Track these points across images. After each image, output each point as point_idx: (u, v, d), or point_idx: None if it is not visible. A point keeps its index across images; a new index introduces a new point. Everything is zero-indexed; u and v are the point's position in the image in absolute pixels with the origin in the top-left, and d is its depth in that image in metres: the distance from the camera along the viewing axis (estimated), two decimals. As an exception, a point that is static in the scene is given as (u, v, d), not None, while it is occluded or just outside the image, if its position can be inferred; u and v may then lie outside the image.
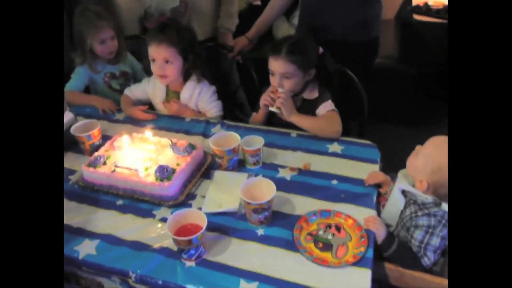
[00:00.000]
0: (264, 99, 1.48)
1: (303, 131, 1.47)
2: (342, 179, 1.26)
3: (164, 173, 1.20)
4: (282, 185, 1.23)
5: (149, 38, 1.52)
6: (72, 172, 1.35)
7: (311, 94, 1.52)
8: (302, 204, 1.17)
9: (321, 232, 1.08)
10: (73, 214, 1.18)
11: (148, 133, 1.34)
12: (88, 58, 1.70)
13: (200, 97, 1.62)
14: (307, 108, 1.50)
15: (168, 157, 1.28)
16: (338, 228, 1.09)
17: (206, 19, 1.95)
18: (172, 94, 1.65)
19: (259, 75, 1.85)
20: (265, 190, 1.10)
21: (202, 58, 1.58)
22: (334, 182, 1.25)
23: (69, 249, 1.07)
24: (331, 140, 1.42)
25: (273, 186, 1.10)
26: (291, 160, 1.35)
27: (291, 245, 1.05)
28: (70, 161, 1.40)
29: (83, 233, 1.12)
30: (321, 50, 1.51)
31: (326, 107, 1.47)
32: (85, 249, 1.07)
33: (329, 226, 1.10)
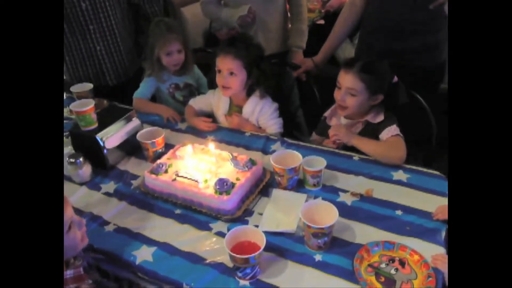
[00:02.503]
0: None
1: (366, 155, 1.41)
2: (407, 209, 1.18)
3: (223, 186, 1.19)
4: (342, 210, 1.17)
5: (218, 50, 1.56)
6: (135, 177, 1.39)
7: (376, 117, 1.46)
8: (363, 233, 1.12)
9: (383, 265, 1.02)
10: (133, 218, 1.21)
11: (211, 145, 1.35)
12: (155, 68, 1.76)
13: (262, 113, 1.62)
14: (370, 132, 1.45)
15: (228, 171, 1.28)
16: (402, 263, 1.02)
17: (272, 35, 1.97)
18: (235, 108, 1.66)
19: (320, 95, 1.82)
20: (326, 214, 1.06)
21: (267, 75, 1.58)
22: (399, 212, 1.18)
23: (128, 253, 1.09)
24: (396, 167, 1.35)
25: (335, 211, 1.05)
26: (353, 185, 1.29)
27: (350, 275, 0.99)
28: (133, 166, 1.45)
29: (141, 238, 1.14)
30: (395, 79, 1.46)
31: (391, 132, 1.40)
32: (143, 255, 1.08)
33: (393, 260, 1.03)
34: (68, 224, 0.92)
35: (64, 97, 1.95)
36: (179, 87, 1.86)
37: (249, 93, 1.62)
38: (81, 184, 1.37)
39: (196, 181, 1.23)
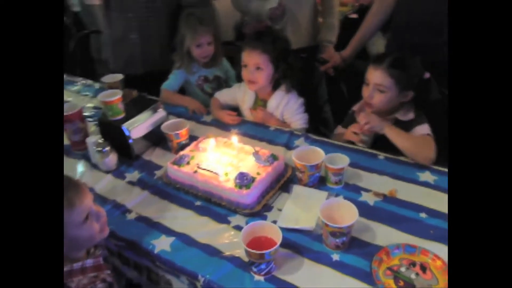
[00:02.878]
0: (349, 136, 1.44)
1: (391, 154, 1.37)
2: (432, 213, 1.14)
3: (244, 180, 1.19)
4: (363, 210, 1.15)
5: (244, 44, 1.55)
6: (158, 167, 1.41)
7: (406, 115, 1.41)
8: (384, 234, 1.08)
9: (403, 269, 0.98)
10: (154, 208, 1.23)
11: (234, 138, 1.35)
12: (185, 60, 1.78)
13: (287, 107, 1.60)
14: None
15: (250, 165, 1.27)
16: (423, 268, 0.98)
17: (301, 29, 1.93)
18: (260, 102, 1.65)
19: (349, 90, 1.78)
20: (346, 213, 1.04)
21: (294, 69, 1.56)
22: (423, 215, 1.13)
23: (147, 242, 1.11)
24: (423, 168, 1.30)
25: (355, 210, 1.03)
26: (376, 184, 1.26)
27: (367, 277, 0.97)
28: (157, 156, 1.47)
29: (161, 228, 1.16)
30: (427, 75, 1.40)
31: (422, 130, 1.35)
32: (161, 244, 1.10)
33: (413, 264, 0.99)
34: (85, 215, 0.94)
35: (96, 87, 2.02)
36: (208, 79, 1.87)
37: (274, 87, 1.61)
38: (107, 172, 1.40)
39: (217, 174, 1.23)
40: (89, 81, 2.11)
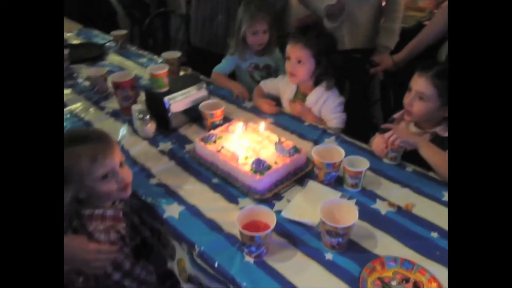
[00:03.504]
0: (375, 148, 1.39)
1: (421, 167, 1.31)
2: (444, 234, 1.07)
3: (259, 166, 1.22)
4: (373, 217, 1.13)
5: (289, 37, 1.57)
6: (190, 142, 1.49)
7: (446, 131, 1.33)
8: (386, 245, 1.05)
9: (394, 283, 0.95)
10: (175, 178, 1.32)
11: (262, 125, 1.39)
12: (239, 46, 1.84)
13: (326, 104, 1.59)
14: (437, 145, 1.31)
15: (270, 153, 1.30)
16: (416, 287, 0.94)
17: (359, 29, 1.89)
18: (300, 96, 1.66)
19: (396, 96, 1.71)
20: (348, 215, 1.03)
21: (336, 66, 1.55)
22: (434, 234, 1.08)
23: (160, 205, 1.20)
24: (452, 188, 1.22)
25: (355, 214, 1.01)
26: (395, 195, 1.21)
27: (354, 282, 0.95)
28: (192, 132, 1.56)
29: (175, 196, 1.24)
30: None
31: None
32: (171, 210, 1.18)
33: (407, 280, 0.96)
34: (104, 172, 1.04)
35: (160, 61, 2.16)
36: (258, 67, 1.91)
37: (316, 83, 1.60)
38: (145, 139, 1.52)
39: (237, 156, 1.28)
40: (155, 56, 2.27)
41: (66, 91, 1.90)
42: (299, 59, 1.54)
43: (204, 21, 2.12)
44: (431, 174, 1.29)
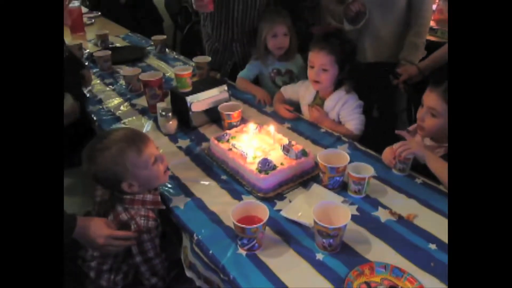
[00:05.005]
0: (385, 158, 1.38)
1: (431, 180, 1.28)
2: (443, 247, 1.05)
3: (265, 166, 1.27)
4: (371, 223, 1.13)
5: (311, 44, 1.60)
6: (207, 140, 1.56)
7: None
8: (380, 252, 1.05)
9: (380, 288, 0.95)
10: (187, 172, 1.39)
11: (272, 127, 1.43)
12: (261, 52, 1.90)
13: (345, 107, 1.61)
14: None
15: (278, 155, 1.34)
16: (402, 294, 0.94)
17: (381, 42, 1.88)
18: (319, 100, 1.69)
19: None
20: (342, 218, 1.04)
21: (359, 71, 1.59)
22: (432, 246, 1.06)
23: (168, 196, 1.27)
24: (460, 203, 1.19)
25: (348, 216, 1.02)
26: (399, 205, 1.20)
27: (341, 285, 0.96)
28: (211, 131, 1.63)
29: (184, 188, 1.31)
30: None
31: None
32: (178, 201, 1.25)
33: (394, 287, 0.95)
34: (153, 158, 1.17)
35: (192, 64, 2.27)
36: (280, 72, 1.96)
37: (336, 87, 1.62)
38: (166, 135, 1.61)
39: (246, 155, 1.33)
40: (190, 61, 2.39)
41: (106, 89, 2.06)
42: (323, 66, 1.57)
43: (220, 23, 2.11)
44: (440, 187, 1.27)
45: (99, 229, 1.14)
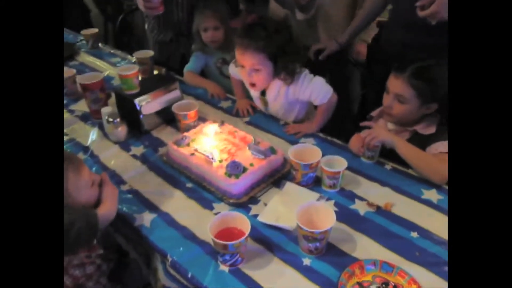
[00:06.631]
0: (353, 146, 1.35)
1: (400, 165, 1.28)
2: (424, 234, 1.05)
3: (235, 169, 1.18)
4: (351, 218, 1.10)
5: (235, 40, 1.39)
6: (163, 145, 1.44)
7: (426, 129, 1.30)
8: (365, 247, 1.02)
9: (373, 287, 0.93)
10: (147, 184, 1.26)
11: (212, 127, 1.35)
12: (199, 44, 1.78)
13: (291, 91, 1.45)
14: (417, 143, 1.27)
15: (246, 155, 1.25)
16: (396, 290, 0.92)
17: (334, 26, 1.84)
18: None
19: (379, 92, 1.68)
20: (325, 218, 0.99)
21: (298, 57, 1.42)
22: (414, 234, 1.05)
23: (130, 214, 1.14)
24: (431, 185, 1.20)
25: (333, 217, 0.98)
26: (374, 195, 1.19)
27: (333, 288, 0.92)
28: (166, 134, 1.50)
29: (147, 203, 1.18)
30: None
31: (440, 148, 1.23)
32: (142, 219, 1.13)
33: (386, 284, 0.93)
34: (92, 179, 1.06)
35: (133, 60, 2.08)
36: (226, 61, 1.82)
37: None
38: (116, 143, 1.46)
39: (211, 159, 1.23)
40: (128, 56, 2.19)
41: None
42: (253, 67, 1.38)
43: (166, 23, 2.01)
44: (410, 171, 1.27)
45: None
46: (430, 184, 1.21)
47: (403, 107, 1.28)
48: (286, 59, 1.37)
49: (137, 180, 1.28)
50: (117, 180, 1.28)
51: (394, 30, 1.58)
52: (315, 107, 1.53)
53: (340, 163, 1.19)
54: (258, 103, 1.62)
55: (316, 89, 1.43)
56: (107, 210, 1.05)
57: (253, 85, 1.45)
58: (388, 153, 1.33)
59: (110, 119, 1.43)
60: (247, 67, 1.39)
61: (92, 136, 1.50)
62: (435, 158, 1.22)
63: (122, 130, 1.45)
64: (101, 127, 1.52)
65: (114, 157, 1.39)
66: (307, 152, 1.23)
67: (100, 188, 1.09)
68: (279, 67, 1.39)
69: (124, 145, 1.45)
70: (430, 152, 1.25)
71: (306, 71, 1.45)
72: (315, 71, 1.48)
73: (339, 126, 1.73)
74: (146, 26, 2.13)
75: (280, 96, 1.48)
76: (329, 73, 1.89)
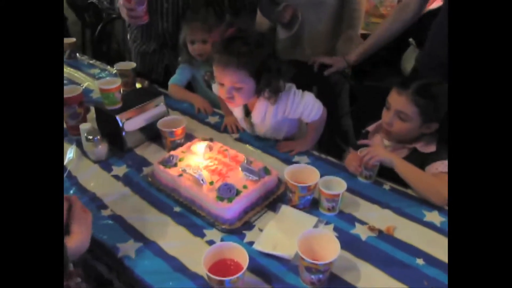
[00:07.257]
0: (349, 165, 1.29)
1: (398, 184, 1.23)
2: (431, 260, 0.99)
3: (227, 193, 1.10)
4: (353, 244, 1.04)
5: (214, 55, 1.27)
6: (148, 164, 1.34)
7: (426, 147, 1.25)
8: (370, 277, 0.95)
9: (382, 322, 0.86)
10: (131, 207, 1.16)
11: (201, 145, 1.27)
12: (186, 56, 1.69)
13: (290, 110, 1.33)
14: (416, 161, 1.22)
15: (238, 176, 1.17)
16: (406, 325, 0.85)
17: (319, 39, 1.81)
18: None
19: (371, 105, 1.64)
20: (328, 247, 0.92)
21: (282, 72, 1.29)
22: (420, 261, 0.99)
23: (112, 243, 1.04)
24: (432, 206, 1.15)
25: (337, 247, 0.91)
26: (375, 218, 1.12)
27: (339, 325, 0.85)
28: (151, 152, 1.40)
29: (131, 231, 1.08)
30: None
31: (441, 167, 1.18)
32: (126, 249, 1.03)
33: (395, 318, 0.86)
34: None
35: (113, 72, 1.98)
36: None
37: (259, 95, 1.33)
38: (96, 162, 1.35)
39: (202, 181, 1.14)
40: (108, 67, 2.09)
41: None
42: (234, 85, 1.24)
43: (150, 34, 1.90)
44: (409, 191, 1.22)
45: None
46: (431, 205, 1.16)
47: (404, 125, 1.23)
48: (269, 75, 1.25)
49: (119, 204, 1.17)
50: (98, 204, 1.17)
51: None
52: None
53: (339, 184, 1.13)
54: (243, 124, 1.50)
55: (308, 107, 1.34)
56: (77, 241, 0.89)
57: (231, 102, 1.32)
58: (383, 171, 1.28)
59: (90, 137, 1.32)
60: (227, 85, 1.26)
61: (69, 154, 1.39)
62: (436, 179, 1.17)
63: (102, 148, 1.35)
64: (79, 145, 1.41)
65: (94, 178, 1.28)
66: (303, 172, 1.16)
67: (69, 213, 0.94)
68: (262, 84, 1.27)
69: (105, 165, 1.34)
70: (430, 171, 1.20)
71: (293, 87, 1.35)
72: (301, 85, 1.40)
73: (328, 143, 1.68)
74: (128, 36, 2.03)
75: (268, 117, 1.36)
76: (316, 85, 1.84)
